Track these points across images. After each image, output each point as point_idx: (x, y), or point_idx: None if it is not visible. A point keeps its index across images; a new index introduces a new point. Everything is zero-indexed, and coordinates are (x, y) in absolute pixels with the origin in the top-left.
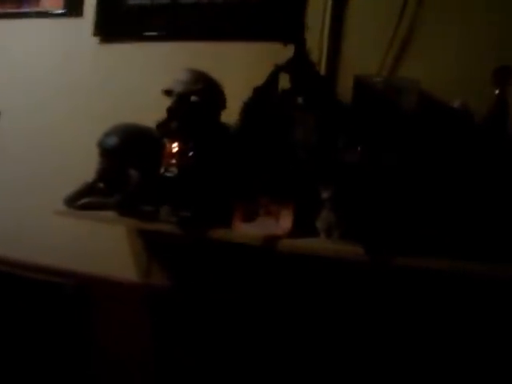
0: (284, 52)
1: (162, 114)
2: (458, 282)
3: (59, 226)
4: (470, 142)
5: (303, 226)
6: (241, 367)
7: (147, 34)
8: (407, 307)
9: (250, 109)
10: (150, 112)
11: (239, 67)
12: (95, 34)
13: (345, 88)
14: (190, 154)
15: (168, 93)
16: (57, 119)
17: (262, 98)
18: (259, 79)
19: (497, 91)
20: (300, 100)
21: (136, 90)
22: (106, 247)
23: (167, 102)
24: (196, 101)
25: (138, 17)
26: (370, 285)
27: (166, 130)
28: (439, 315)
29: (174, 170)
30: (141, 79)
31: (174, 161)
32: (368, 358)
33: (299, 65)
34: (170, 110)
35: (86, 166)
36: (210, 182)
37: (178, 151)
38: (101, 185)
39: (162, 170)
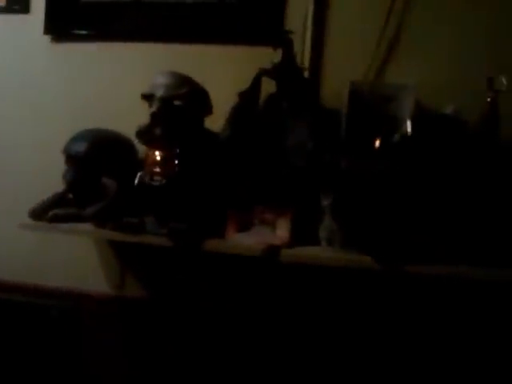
0: (259, 56)
1: (127, 119)
2: (459, 286)
3: (18, 240)
4: (464, 149)
5: (301, 235)
6: (224, 378)
7: (107, 33)
8: (410, 314)
9: (237, 114)
10: (114, 117)
11: (207, 70)
12: (46, 33)
13: (329, 93)
14: (176, 161)
15: (148, 97)
16: (5, 126)
17: (249, 103)
18: (236, 83)
19: (489, 99)
20: (290, 106)
21: (96, 94)
22: (70, 259)
23: (133, 106)
24: (181, 106)
25: (96, 14)
26: (373, 293)
27: (149, 136)
28: (442, 321)
29: (159, 178)
30: (101, 82)
31: (158, 169)
32: (371, 366)
33: (287, 69)
34: (154, 116)
35: (44, 175)
36: (198, 190)
37: (162, 159)
38: (71, 195)
39: (146, 179)
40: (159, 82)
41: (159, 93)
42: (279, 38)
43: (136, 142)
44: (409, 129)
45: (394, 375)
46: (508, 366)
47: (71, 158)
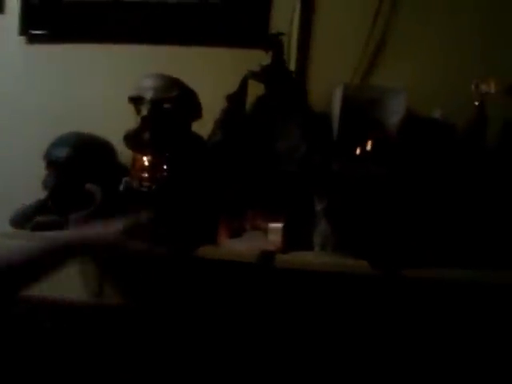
0: (244, 58)
1: (107, 123)
2: (452, 289)
3: None
4: (452, 153)
5: (293, 240)
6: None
7: (85, 34)
8: (405, 318)
9: (227, 118)
10: (94, 120)
11: (190, 73)
12: (21, 34)
13: (315, 96)
14: (165, 166)
15: (135, 100)
16: None
17: (237, 106)
18: (220, 86)
19: (476, 103)
20: (281, 109)
21: (75, 97)
22: None
23: (114, 109)
24: (171, 109)
25: (75, 15)
26: (368, 298)
27: (138, 141)
28: (436, 324)
29: (148, 184)
30: (80, 84)
31: (146, 174)
32: (366, 371)
33: (277, 72)
34: (144, 119)
35: (23, 181)
36: (189, 196)
37: (151, 164)
38: (53, 202)
39: (134, 185)
40: (147, 85)
41: (148, 95)
42: (266, 40)
43: (120, 146)
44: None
45: (389, 380)
46: (504, 366)
47: (52, 163)
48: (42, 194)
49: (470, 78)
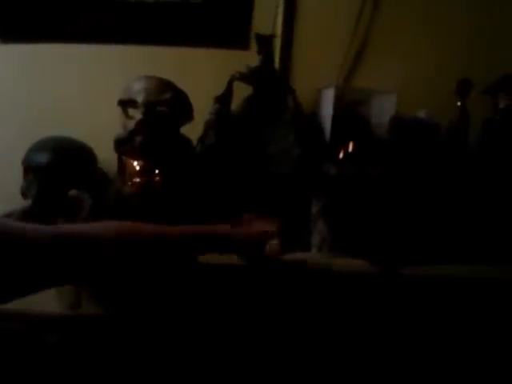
0: (226, 59)
1: (87, 126)
2: (450, 286)
3: None
4: (436, 152)
5: (290, 242)
6: None
7: (60, 33)
8: (404, 316)
9: (218, 120)
10: (72, 124)
11: (170, 74)
12: None
13: (299, 97)
14: (158, 171)
15: (129, 103)
16: None
17: (225, 107)
18: (202, 87)
19: (459, 103)
20: (271, 111)
21: (51, 99)
22: None
23: (92, 111)
24: (164, 112)
25: (49, 13)
26: (366, 297)
27: (130, 145)
28: (435, 322)
29: (141, 189)
30: (56, 86)
31: (137, 180)
32: (367, 370)
33: (266, 74)
34: (140, 123)
35: None
36: (183, 201)
37: (143, 169)
38: (37, 210)
39: (126, 190)
40: (139, 87)
41: (141, 98)
42: (249, 40)
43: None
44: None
45: (390, 378)
46: (504, 363)
47: (33, 170)
48: (19, 203)
49: (453, 78)
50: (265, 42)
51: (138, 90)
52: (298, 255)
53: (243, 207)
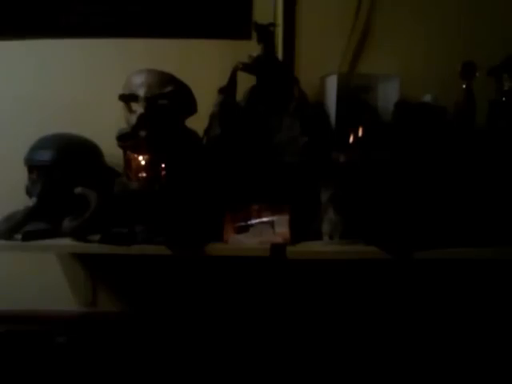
0: (227, 49)
1: (85, 121)
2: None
3: None
4: (444, 136)
5: (300, 231)
6: None
7: (54, 28)
8: (418, 301)
9: (223, 111)
10: (71, 120)
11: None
12: None
13: (303, 85)
14: (163, 165)
15: (129, 98)
16: None
17: (230, 98)
18: (204, 79)
19: (464, 85)
20: (275, 101)
21: (48, 96)
22: (37, 280)
23: (89, 107)
24: (166, 105)
25: (42, 7)
26: (378, 283)
27: (134, 140)
28: (448, 305)
29: (147, 184)
30: (53, 82)
31: (144, 174)
32: (381, 357)
33: (268, 63)
34: (141, 117)
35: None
36: (190, 194)
37: (148, 163)
38: (43, 209)
39: (132, 186)
40: (140, 81)
41: (142, 92)
42: (250, 30)
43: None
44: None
45: (403, 366)
46: None
47: (36, 168)
48: (24, 202)
49: (457, 61)
50: (264, 31)
51: (139, 84)
52: (309, 244)
53: (252, 197)
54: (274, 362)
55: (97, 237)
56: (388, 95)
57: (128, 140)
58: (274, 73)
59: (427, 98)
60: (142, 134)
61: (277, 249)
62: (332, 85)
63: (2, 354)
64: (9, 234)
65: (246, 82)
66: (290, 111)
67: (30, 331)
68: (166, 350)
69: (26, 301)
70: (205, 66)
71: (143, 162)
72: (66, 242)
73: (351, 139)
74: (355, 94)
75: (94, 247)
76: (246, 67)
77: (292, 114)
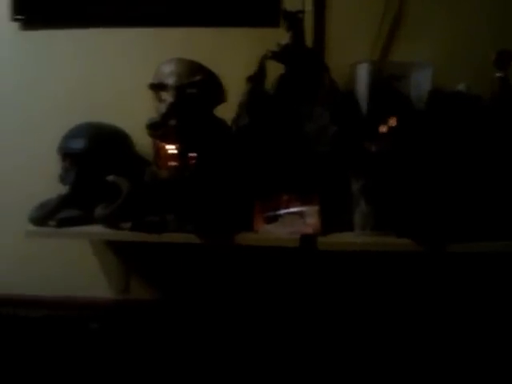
0: (257, 37)
1: (115, 111)
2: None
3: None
4: (482, 125)
5: (330, 221)
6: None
7: (84, 18)
8: (451, 292)
9: (252, 100)
10: (100, 109)
11: (201, 55)
12: (14, 19)
13: (333, 74)
14: (193, 154)
15: (158, 87)
16: None
17: (259, 87)
18: (234, 67)
19: (499, 74)
20: (305, 89)
21: (79, 85)
22: (67, 267)
23: (119, 96)
24: (195, 94)
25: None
26: (413, 274)
27: (164, 129)
28: (484, 298)
29: (177, 173)
30: (83, 72)
31: (173, 163)
32: (417, 345)
33: (297, 51)
34: (170, 106)
35: (34, 177)
36: (219, 183)
37: (178, 152)
38: (75, 196)
39: (162, 174)
40: (169, 70)
41: (171, 81)
42: (278, 17)
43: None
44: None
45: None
46: None
47: (69, 156)
48: (56, 189)
49: (491, 49)
50: (293, 19)
51: (168, 73)
52: (340, 235)
53: (281, 187)
54: (303, 351)
55: (128, 224)
56: (420, 84)
57: (158, 129)
58: (304, 61)
59: (461, 86)
60: (172, 122)
61: (307, 239)
62: (363, 73)
63: (40, 338)
64: (43, 221)
65: (275, 70)
66: (319, 100)
67: (65, 317)
68: (196, 336)
69: (62, 287)
70: (233, 54)
71: (173, 151)
72: (98, 229)
73: (383, 128)
74: (387, 82)
75: (125, 234)
76: (275, 55)
77: (322, 103)
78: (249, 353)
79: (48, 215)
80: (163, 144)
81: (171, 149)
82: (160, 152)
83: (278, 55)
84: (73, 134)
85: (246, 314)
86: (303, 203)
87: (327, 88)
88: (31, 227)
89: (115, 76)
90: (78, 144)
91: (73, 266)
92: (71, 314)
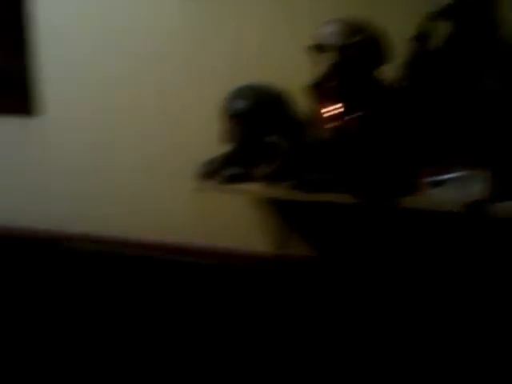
0: None
1: (278, 72)
2: None
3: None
4: None
5: (503, 187)
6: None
7: None
8: None
9: (416, 61)
10: (260, 71)
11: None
12: None
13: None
14: (355, 115)
15: (319, 48)
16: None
17: (424, 47)
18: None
19: None
20: (476, 49)
21: (241, 48)
22: (229, 221)
23: (282, 57)
24: (356, 55)
25: None
26: None
27: (325, 89)
28: None
29: (337, 134)
30: (248, 35)
31: (334, 124)
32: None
33: (468, 8)
34: (331, 67)
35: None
36: (380, 145)
37: (339, 113)
38: (240, 154)
39: (323, 136)
40: (329, 31)
41: (331, 42)
42: None
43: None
44: None
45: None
46: None
47: (234, 116)
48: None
49: None
50: None
51: (328, 34)
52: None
53: (448, 150)
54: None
55: (288, 183)
56: None
57: (319, 89)
58: (473, 16)
59: None
60: (332, 83)
61: (476, 206)
62: None
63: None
64: (208, 177)
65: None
66: (491, 60)
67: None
68: (350, 294)
69: (227, 239)
70: (396, 13)
71: (332, 112)
72: (259, 187)
73: None
74: None
75: (284, 193)
76: (442, 13)
77: (493, 63)
78: (400, 320)
79: (212, 172)
80: (322, 105)
81: (331, 110)
82: (319, 113)
83: (445, 12)
84: (237, 95)
85: (399, 277)
86: (472, 168)
87: (500, 45)
88: (198, 183)
89: (273, 38)
90: (243, 104)
91: (233, 220)
92: (232, 265)
